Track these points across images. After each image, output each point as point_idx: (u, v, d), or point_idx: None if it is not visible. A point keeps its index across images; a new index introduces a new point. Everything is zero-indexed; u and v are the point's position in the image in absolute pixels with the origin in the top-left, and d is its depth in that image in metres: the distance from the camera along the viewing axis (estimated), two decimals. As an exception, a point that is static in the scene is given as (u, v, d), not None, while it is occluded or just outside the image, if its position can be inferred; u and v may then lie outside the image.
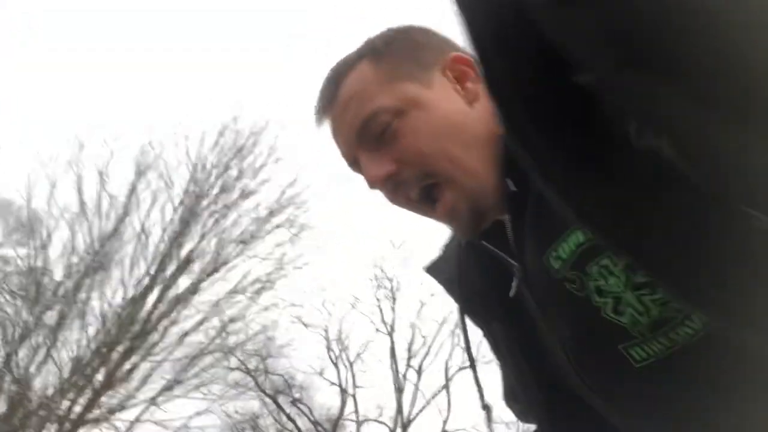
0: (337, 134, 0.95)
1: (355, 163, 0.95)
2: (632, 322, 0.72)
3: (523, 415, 1.06)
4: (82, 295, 16.09)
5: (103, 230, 16.41)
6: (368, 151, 0.90)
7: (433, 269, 1.06)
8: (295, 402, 19.49)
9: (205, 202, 16.59)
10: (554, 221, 0.76)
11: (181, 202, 16.60)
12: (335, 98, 0.93)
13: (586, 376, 0.81)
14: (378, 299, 20.52)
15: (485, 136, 0.87)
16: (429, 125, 0.88)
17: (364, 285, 21.49)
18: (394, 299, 20.71)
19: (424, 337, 19.99)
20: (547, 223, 0.77)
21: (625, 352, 0.73)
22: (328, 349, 19.87)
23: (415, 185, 0.90)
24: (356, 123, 0.90)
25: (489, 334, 1.03)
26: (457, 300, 1.04)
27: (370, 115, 0.88)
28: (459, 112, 0.89)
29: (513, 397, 1.04)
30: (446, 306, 20.19)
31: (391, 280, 20.73)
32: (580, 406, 0.86)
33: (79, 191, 16.46)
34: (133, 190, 16.48)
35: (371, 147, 0.90)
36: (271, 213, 17.40)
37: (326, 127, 0.96)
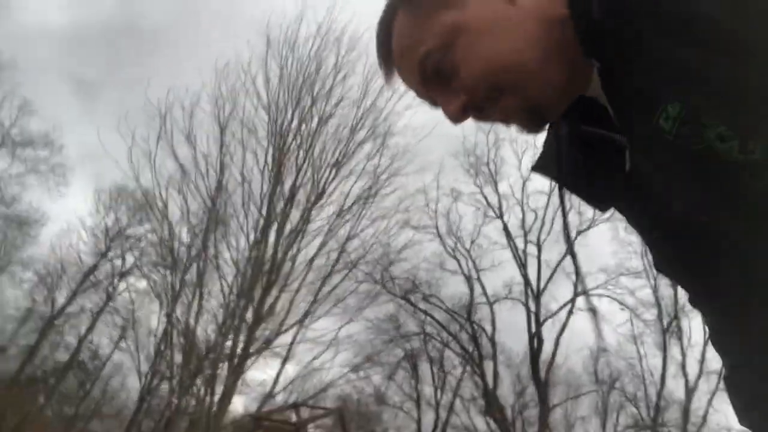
0: (408, 87, 0.97)
1: (428, 100, 0.95)
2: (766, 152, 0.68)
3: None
4: (212, 250, 17.61)
5: (209, 189, 17.65)
6: (438, 91, 0.91)
7: (540, 167, 1.01)
8: (426, 297, 20.46)
9: (290, 138, 17.30)
10: (656, 84, 0.73)
11: (269, 142, 17.37)
12: (390, 59, 0.96)
13: (724, 230, 0.74)
14: (479, 186, 20.71)
15: (537, 29, 0.85)
16: (476, 46, 0.86)
17: (462, 176, 21.59)
18: (495, 182, 20.86)
19: (534, 210, 20.20)
20: (649, 88, 0.74)
21: (753, 198, 0.69)
22: (443, 243, 20.53)
23: (490, 104, 0.88)
24: (415, 72, 0.91)
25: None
26: (569, 188, 0.98)
27: (422, 61, 0.89)
28: (501, 18, 0.86)
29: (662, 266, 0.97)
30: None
31: (488, 163, 20.76)
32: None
33: (176, 158, 17.63)
34: (222, 144, 17.42)
35: (439, 87, 0.91)
36: (353, 129, 17.84)
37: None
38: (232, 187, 17.36)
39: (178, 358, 19.62)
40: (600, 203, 0.98)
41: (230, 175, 17.46)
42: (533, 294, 19.04)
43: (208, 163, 17.45)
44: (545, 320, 18.74)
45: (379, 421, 21.71)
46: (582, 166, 0.93)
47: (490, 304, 19.71)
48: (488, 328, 19.84)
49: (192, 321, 17.90)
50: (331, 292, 18.22)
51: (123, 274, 21.55)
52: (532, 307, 18.82)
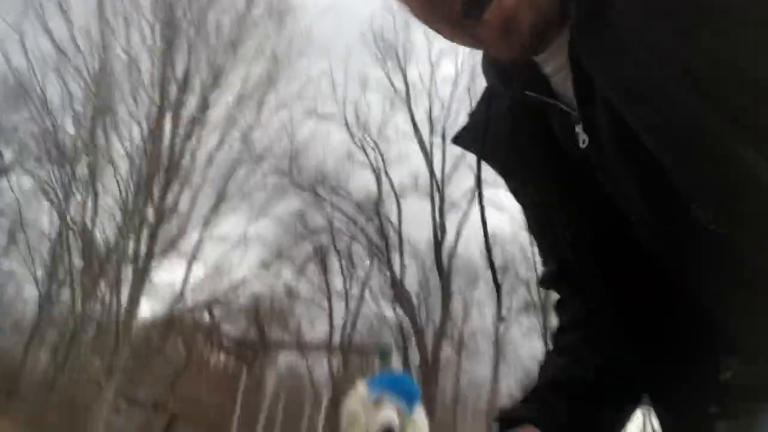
0: None
1: None
2: None
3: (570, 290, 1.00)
4: (102, 142, 16.06)
5: (91, 71, 15.81)
6: None
7: (462, 138, 0.97)
8: (334, 189, 20.13)
9: (179, 12, 15.51)
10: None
11: (156, 17, 15.57)
12: None
13: (656, 217, 0.75)
14: (387, 72, 19.91)
15: None
16: None
17: (369, 60, 20.66)
18: (404, 69, 20.07)
19: (442, 101, 19.70)
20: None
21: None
22: (351, 134, 19.95)
23: None
24: None
25: (534, 210, 0.98)
26: (495, 167, 0.95)
27: None
28: None
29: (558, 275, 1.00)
30: (460, 61, 19.74)
31: (396, 48, 19.87)
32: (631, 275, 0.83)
33: (50, 35, 15.59)
34: (101, 19, 15.48)
35: None
36: (249, 2, 16.29)
37: None
38: (117, 69, 15.63)
39: (77, 262, 18.49)
40: (521, 192, 0.98)
41: (115, 55, 15.67)
42: (438, 186, 19.11)
43: (88, 41, 15.54)
44: (449, 211, 18.99)
45: (292, 315, 21.86)
46: (520, 139, 0.90)
47: (397, 197, 19.68)
48: (395, 220, 19.87)
49: (88, 221, 16.67)
50: (238, 188, 17.36)
51: (3, 171, 19.51)
52: (437, 199, 18.89)
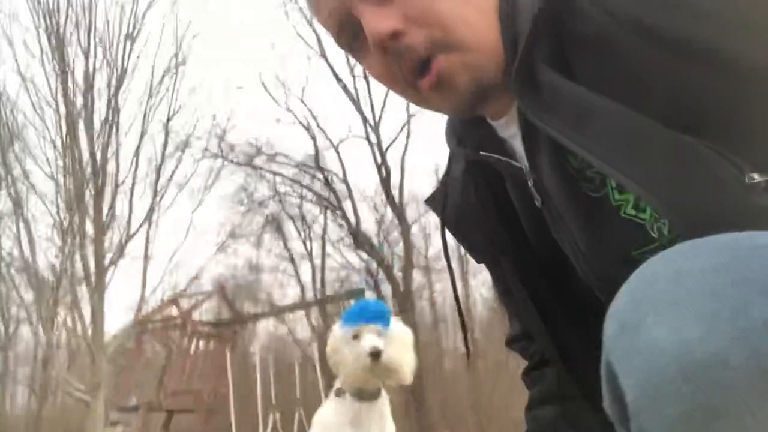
0: None
1: (345, 21, 0.79)
2: (653, 217, 0.66)
3: (525, 351, 1.04)
4: (17, 170, 15.46)
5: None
6: (372, 4, 0.76)
7: (432, 200, 0.99)
8: (271, 158, 20.03)
9: (62, 18, 14.79)
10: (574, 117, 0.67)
11: (38, 28, 14.83)
12: None
13: (597, 281, 0.76)
14: (294, 26, 19.58)
15: (493, 6, 0.78)
16: None
17: (274, 22, 20.23)
18: (309, 19, 19.75)
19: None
20: (569, 118, 0.68)
21: (640, 258, 0.61)
22: (273, 98, 19.75)
23: (419, 50, 0.76)
24: None
25: (495, 271, 0.98)
26: (452, 232, 0.97)
27: None
28: None
29: (521, 337, 1.03)
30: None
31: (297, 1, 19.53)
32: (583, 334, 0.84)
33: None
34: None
35: (376, 1, 0.76)
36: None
37: None
38: (12, 90, 14.92)
39: (27, 296, 18.00)
40: (480, 254, 0.98)
41: (5, 76, 14.93)
42: (372, 127, 19.28)
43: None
44: (387, 148, 19.20)
45: (261, 288, 22.00)
46: (472, 204, 0.91)
47: (335, 147, 19.77)
48: (338, 170, 19.99)
49: (27, 252, 16.16)
50: (171, 180, 17.09)
51: None
52: (374, 140, 19.09)
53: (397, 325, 2.19)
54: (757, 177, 0.58)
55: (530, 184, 0.80)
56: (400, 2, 0.76)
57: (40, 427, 22.00)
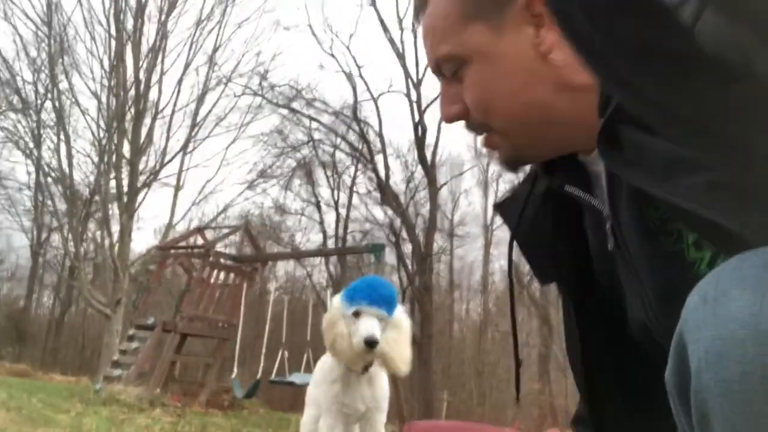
0: (426, 49, 0.93)
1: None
2: None
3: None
4: (64, 83, 15.78)
5: (40, 10, 15.27)
6: (444, 82, 0.90)
7: (502, 207, 1.01)
8: (309, 103, 20.03)
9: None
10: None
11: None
12: (420, 20, 0.91)
13: (662, 332, 0.75)
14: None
15: (551, 96, 0.81)
16: (490, 82, 0.84)
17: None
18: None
19: (408, -7, 19.23)
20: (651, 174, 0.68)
21: None
22: (319, 42, 19.65)
23: (478, 130, 0.90)
24: (431, 59, 0.89)
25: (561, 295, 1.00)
26: (520, 245, 0.99)
27: (440, 59, 0.87)
28: (522, 69, 0.82)
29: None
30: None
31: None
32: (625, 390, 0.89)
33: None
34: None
35: (446, 80, 0.89)
36: None
37: None
38: (67, 6, 15.12)
39: (61, 206, 18.60)
40: (544, 276, 1.00)
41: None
42: (413, 84, 19.02)
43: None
44: (427, 108, 19.01)
45: (284, 229, 22.35)
46: (545, 228, 0.94)
47: (374, 100, 19.61)
48: (375, 123, 19.92)
49: (65, 165, 16.64)
50: (210, 112, 17.30)
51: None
52: (414, 97, 18.90)
53: (399, 313, 2.10)
54: None
55: (607, 226, 0.83)
56: (464, 87, 0.87)
57: (61, 332, 23.06)
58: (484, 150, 0.99)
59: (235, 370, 9.80)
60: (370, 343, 1.97)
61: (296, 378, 9.12)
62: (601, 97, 0.75)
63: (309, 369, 9.87)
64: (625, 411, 0.91)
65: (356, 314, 2.05)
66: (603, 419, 0.94)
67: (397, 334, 2.08)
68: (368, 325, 2.01)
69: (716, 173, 0.62)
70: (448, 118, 0.90)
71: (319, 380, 2.32)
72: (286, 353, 10.22)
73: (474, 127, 0.89)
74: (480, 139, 0.91)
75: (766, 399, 0.48)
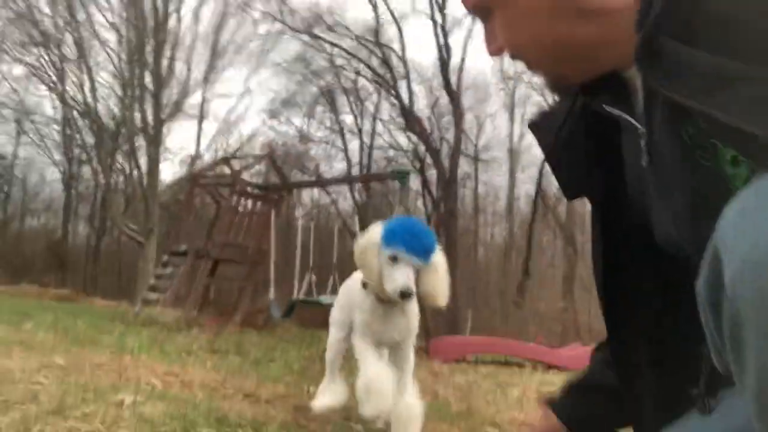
0: None
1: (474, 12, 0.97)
2: None
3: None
4: (82, 15, 15.69)
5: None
6: (484, 21, 0.93)
7: (537, 125, 1.03)
8: (330, 27, 19.64)
9: None
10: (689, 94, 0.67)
11: None
12: None
13: (695, 251, 0.71)
14: None
15: (578, 22, 0.82)
16: (514, 25, 0.87)
17: None
18: None
19: None
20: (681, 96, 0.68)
21: None
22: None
23: (519, 61, 0.92)
24: (468, 4, 0.94)
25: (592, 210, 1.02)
26: (551, 163, 1.00)
27: (473, 5, 0.92)
28: (544, 8, 0.83)
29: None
30: None
31: None
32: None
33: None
34: None
35: (485, 21, 0.93)
36: None
37: None
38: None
39: (89, 139, 18.90)
40: (572, 191, 1.02)
41: None
42: (438, 5, 18.42)
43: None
44: (452, 30, 18.47)
45: (309, 158, 22.49)
46: (581, 145, 0.95)
47: (397, 22, 19.13)
48: (398, 47, 19.51)
49: (89, 98, 16.80)
50: (230, 41, 17.13)
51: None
52: (439, 19, 18.35)
53: (437, 255, 2.04)
54: None
55: (642, 143, 0.82)
56: (497, 28, 0.91)
57: (99, 259, 23.96)
58: (513, 72, 1.02)
59: (272, 291, 10.20)
60: (405, 295, 1.92)
61: (324, 299, 9.49)
62: (641, 11, 0.74)
63: (335, 291, 10.24)
64: (640, 333, 0.93)
65: (393, 258, 1.96)
66: (618, 336, 0.97)
67: (434, 277, 2.03)
68: (404, 275, 1.93)
69: (761, 88, 0.62)
70: (492, 53, 0.94)
71: (344, 304, 2.33)
72: (313, 276, 10.57)
73: (514, 59, 0.93)
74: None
75: None
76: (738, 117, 0.62)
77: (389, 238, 1.98)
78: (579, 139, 0.95)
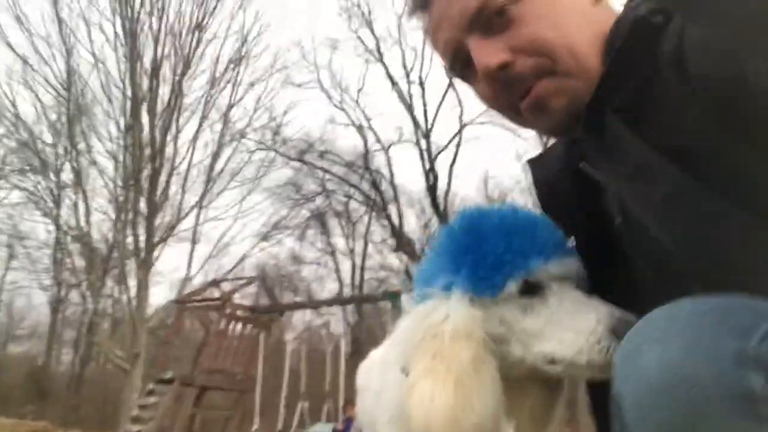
0: (443, 18, 0.86)
1: (457, 52, 0.86)
2: None
3: None
4: (82, 145, 16.25)
5: (59, 76, 15.88)
6: (480, 37, 0.83)
7: (534, 164, 1.03)
8: (321, 154, 20.39)
9: (137, 4, 15.49)
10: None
11: (115, 12, 15.55)
12: (428, 8, 0.87)
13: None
14: (355, 30, 19.99)
15: (599, 33, 0.82)
16: (553, 12, 0.82)
17: (335, 24, 20.57)
18: (370, 23, 20.07)
19: (414, 49, 19.83)
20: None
21: None
22: (329, 97, 20.12)
23: (527, 77, 0.82)
24: (466, 11, 0.83)
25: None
26: (542, 203, 1.00)
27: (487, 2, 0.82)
28: (581, 11, 0.83)
29: None
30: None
31: (360, 6, 19.85)
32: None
33: (9, 46, 15.58)
34: (59, 22, 15.46)
35: (484, 33, 0.83)
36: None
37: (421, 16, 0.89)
38: (85, 71, 15.74)
39: (79, 263, 18.86)
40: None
41: (79, 57, 15.76)
42: (423, 133, 19.37)
43: (50, 46, 15.56)
44: (437, 155, 19.31)
45: (300, 279, 22.45)
46: (567, 191, 0.93)
47: (385, 150, 19.99)
48: (386, 172, 20.22)
49: (83, 223, 16.97)
50: (224, 168, 17.67)
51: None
52: (424, 146, 19.22)
53: None
54: None
55: (615, 204, 0.84)
56: (508, 35, 0.82)
57: (82, 387, 23.04)
58: (527, 113, 0.87)
59: (257, 422, 9.78)
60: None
61: (316, 428, 9.08)
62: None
63: (330, 419, 9.83)
64: None
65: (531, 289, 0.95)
66: None
67: None
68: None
69: (675, 187, 0.66)
70: (492, 65, 0.82)
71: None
72: (306, 404, 10.20)
73: (519, 76, 0.83)
74: (527, 98, 0.84)
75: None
76: (650, 210, 0.70)
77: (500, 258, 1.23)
78: (566, 182, 0.94)
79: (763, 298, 0.59)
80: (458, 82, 0.93)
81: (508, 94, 0.85)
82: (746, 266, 0.64)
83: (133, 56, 15.37)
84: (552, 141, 1.05)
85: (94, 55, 15.69)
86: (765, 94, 0.61)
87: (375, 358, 1.46)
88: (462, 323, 0.82)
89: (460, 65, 0.88)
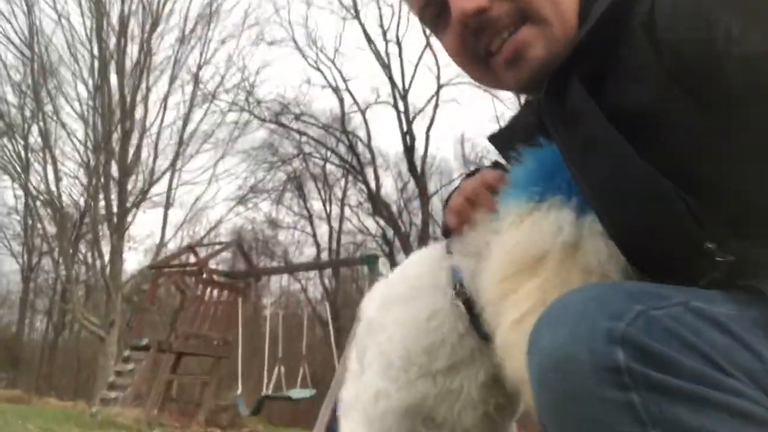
0: None
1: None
2: None
3: None
4: (49, 106, 15.70)
5: (22, 34, 15.23)
6: None
7: (496, 138, 1.04)
8: (297, 117, 20.04)
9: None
10: None
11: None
12: None
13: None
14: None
15: None
16: None
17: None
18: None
19: (390, 5, 19.40)
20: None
21: None
22: (304, 57, 19.68)
23: (504, 21, 0.81)
24: None
25: None
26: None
27: None
28: None
29: None
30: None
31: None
32: None
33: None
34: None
35: None
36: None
37: None
38: (48, 28, 15.10)
39: (50, 229, 18.45)
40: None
41: (41, 13, 15.11)
42: (400, 94, 19.11)
43: (9, 2, 14.88)
44: (414, 117, 19.08)
45: (277, 243, 22.28)
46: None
47: (362, 112, 19.71)
48: (363, 135, 19.97)
49: (53, 188, 16.52)
50: (197, 130, 17.26)
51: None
52: (401, 107, 18.96)
53: None
54: (712, 247, 0.69)
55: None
56: None
57: (56, 356, 22.81)
58: (505, 62, 0.85)
59: (240, 387, 9.71)
60: None
61: (293, 393, 9.05)
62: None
63: (305, 384, 9.81)
64: None
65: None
66: None
67: None
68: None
69: (622, 163, 0.70)
70: (466, 10, 0.81)
71: None
72: (282, 368, 10.14)
73: (495, 21, 0.82)
74: (506, 45, 0.83)
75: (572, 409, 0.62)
76: (593, 183, 0.76)
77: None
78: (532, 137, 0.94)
79: (653, 283, 0.69)
80: (436, 43, 0.94)
81: (478, 44, 0.85)
82: (680, 250, 0.71)
83: (99, 12, 14.77)
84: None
85: (56, 10, 15.06)
86: (732, 58, 0.63)
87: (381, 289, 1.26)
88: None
89: (433, 12, 0.88)
